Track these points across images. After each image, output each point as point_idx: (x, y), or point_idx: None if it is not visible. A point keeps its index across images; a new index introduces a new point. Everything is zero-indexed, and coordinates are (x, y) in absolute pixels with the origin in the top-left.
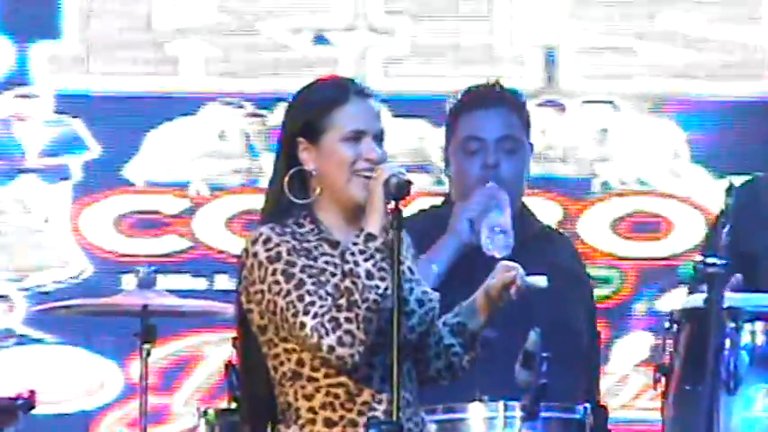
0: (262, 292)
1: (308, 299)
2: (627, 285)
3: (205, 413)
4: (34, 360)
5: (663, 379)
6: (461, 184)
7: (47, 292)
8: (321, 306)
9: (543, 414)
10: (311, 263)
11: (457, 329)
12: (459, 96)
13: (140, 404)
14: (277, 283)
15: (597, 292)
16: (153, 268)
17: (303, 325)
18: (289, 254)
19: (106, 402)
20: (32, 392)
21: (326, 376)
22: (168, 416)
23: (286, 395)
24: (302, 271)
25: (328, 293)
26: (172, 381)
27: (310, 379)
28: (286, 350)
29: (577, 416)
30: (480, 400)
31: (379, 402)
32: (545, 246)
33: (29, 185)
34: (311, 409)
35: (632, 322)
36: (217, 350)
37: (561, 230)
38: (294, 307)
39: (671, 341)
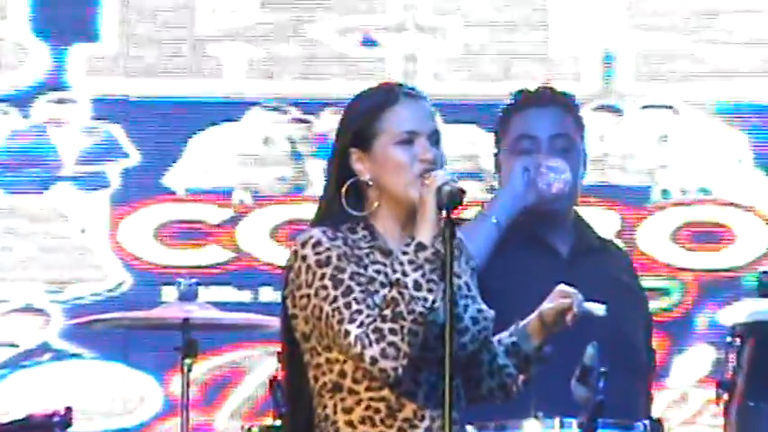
0: (308, 296)
1: (354, 307)
2: (687, 297)
3: (249, 430)
4: (71, 376)
5: (725, 395)
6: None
7: (84, 305)
8: (368, 316)
9: (601, 431)
10: (361, 270)
11: (512, 350)
12: (511, 98)
13: (181, 422)
14: (324, 288)
15: (657, 304)
16: (194, 280)
17: (347, 333)
18: (339, 259)
19: (145, 420)
20: (69, 409)
21: (368, 389)
22: None
23: (325, 407)
24: (351, 278)
25: (376, 304)
26: (214, 397)
27: (351, 391)
28: (328, 360)
29: None
30: (535, 417)
31: (422, 419)
32: (600, 258)
33: (65, 194)
34: (349, 423)
35: (693, 336)
36: (261, 365)
37: (617, 241)
38: (340, 314)
39: (734, 355)
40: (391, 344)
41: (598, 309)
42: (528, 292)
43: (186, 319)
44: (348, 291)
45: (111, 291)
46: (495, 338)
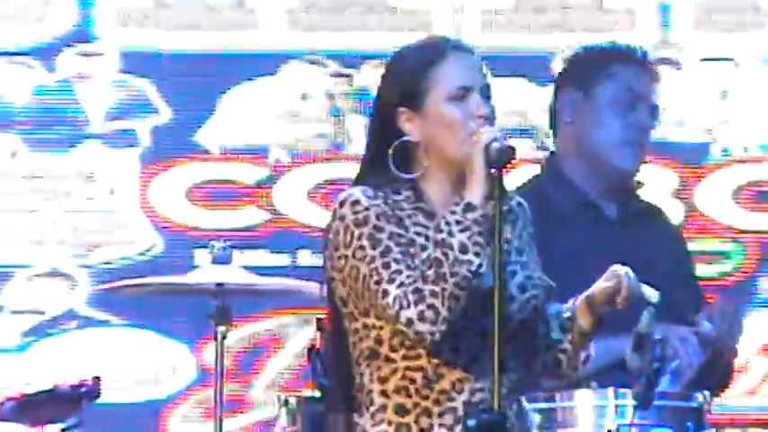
0: (345, 257)
1: (393, 267)
2: (749, 261)
3: (286, 402)
4: (99, 344)
5: None
6: (604, 141)
7: (113, 270)
8: (408, 276)
9: (657, 402)
10: (401, 231)
11: (567, 326)
12: (601, 47)
13: (215, 392)
14: (362, 248)
15: (716, 268)
16: (229, 243)
17: (386, 293)
18: (378, 218)
19: (178, 390)
20: (97, 379)
21: (405, 358)
22: (246, 405)
23: (362, 376)
24: (390, 238)
25: (416, 265)
26: (249, 366)
27: (387, 359)
28: (365, 326)
29: (695, 404)
30: (588, 387)
31: (460, 392)
32: (648, 222)
33: (92, 153)
34: (384, 393)
35: (756, 301)
36: (299, 333)
37: (674, 201)
38: (378, 274)
39: None
40: (431, 306)
41: (652, 295)
42: (582, 257)
43: (220, 285)
44: (387, 251)
45: (141, 254)
46: (554, 311)
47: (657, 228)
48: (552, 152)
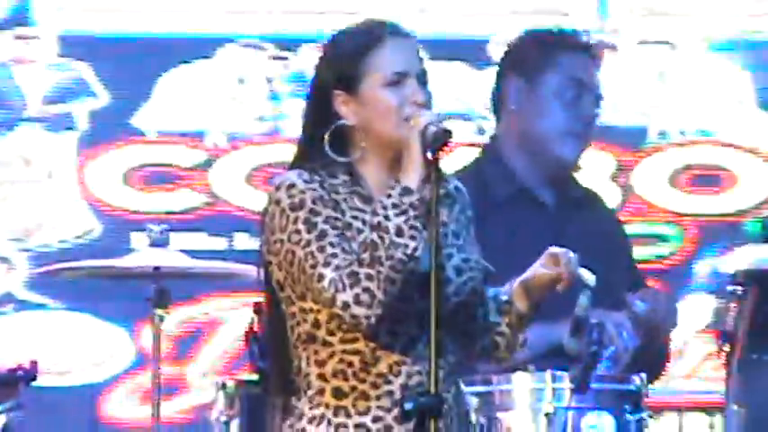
0: (281, 241)
1: (329, 251)
2: (686, 244)
3: (224, 385)
4: (36, 327)
5: (727, 347)
6: (548, 131)
7: (50, 253)
8: (344, 260)
9: (594, 385)
10: (337, 215)
11: (504, 309)
12: (544, 32)
13: (153, 375)
14: (298, 232)
15: (653, 250)
16: (166, 226)
17: (321, 277)
18: (314, 202)
19: (115, 373)
20: (34, 363)
21: (342, 342)
22: (183, 388)
23: (300, 359)
24: (326, 222)
25: (352, 249)
26: (187, 350)
27: (325, 343)
28: (303, 309)
29: (632, 387)
30: (525, 370)
31: (397, 375)
32: (585, 209)
33: (30, 136)
34: (322, 377)
35: (692, 284)
36: (236, 316)
37: (612, 185)
38: (313, 258)
39: (735, 305)
40: (366, 289)
41: (589, 278)
42: (518, 242)
43: (157, 268)
44: (322, 234)
45: (78, 238)
46: (491, 294)
47: (594, 213)
48: (493, 136)
